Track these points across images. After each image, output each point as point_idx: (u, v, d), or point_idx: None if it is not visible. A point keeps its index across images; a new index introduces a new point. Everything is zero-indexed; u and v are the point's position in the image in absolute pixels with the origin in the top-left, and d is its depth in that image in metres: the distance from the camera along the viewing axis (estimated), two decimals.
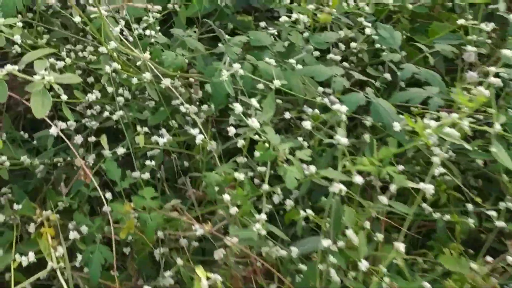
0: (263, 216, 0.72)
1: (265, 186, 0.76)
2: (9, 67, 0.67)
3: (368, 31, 0.97)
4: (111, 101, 1.04)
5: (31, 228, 0.94)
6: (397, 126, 0.80)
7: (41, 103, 0.62)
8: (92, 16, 0.86)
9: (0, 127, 1.03)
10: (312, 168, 0.75)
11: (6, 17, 0.93)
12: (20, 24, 0.83)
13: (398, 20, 1.14)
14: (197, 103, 1.02)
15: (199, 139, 0.81)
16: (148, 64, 0.87)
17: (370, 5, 0.98)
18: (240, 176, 0.77)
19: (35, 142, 1.08)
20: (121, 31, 0.90)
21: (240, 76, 0.86)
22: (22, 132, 1.06)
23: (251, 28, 1.22)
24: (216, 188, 0.80)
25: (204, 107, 0.96)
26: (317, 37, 0.92)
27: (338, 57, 0.94)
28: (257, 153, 0.81)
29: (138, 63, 0.87)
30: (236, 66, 0.83)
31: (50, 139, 0.90)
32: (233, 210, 0.74)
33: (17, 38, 0.86)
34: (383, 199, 0.71)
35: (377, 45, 1.02)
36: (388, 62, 0.95)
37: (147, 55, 0.87)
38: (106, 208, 0.88)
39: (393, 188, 0.71)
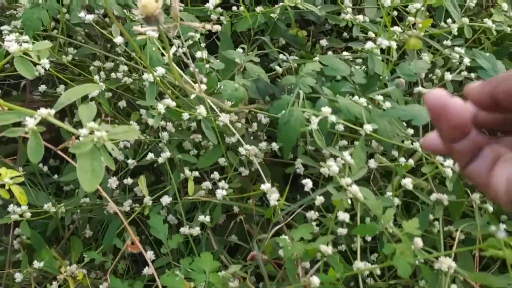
0: None
1: (360, 264, 0.60)
2: (43, 112, 0.51)
3: (466, 60, 0.81)
4: (145, 129, 0.88)
5: None
6: None
7: (91, 170, 0.46)
8: (138, 38, 0.69)
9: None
10: (419, 243, 0.59)
11: (28, 31, 0.76)
12: (48, 44, 0.66)
13: (480, 42, 0.98)
14: (251, 137, 0.86)
15: (273, 200, 0.65)
16: (205, 98, 0.70)
17: (465, 28, 0.81)
18: (327, 249, 0.61)
19: (55, 176, 0.92)
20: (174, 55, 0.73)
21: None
22: (41, 165, 0.90)
23: (305, 45, 1.06)
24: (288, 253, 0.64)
25: (263, 144, 0.80)
26: (405, 66, 0.75)
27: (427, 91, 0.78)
28: (341, 215, 0.66)
29: (192, 96, 0.71)
30: (326, 110, 0.66)
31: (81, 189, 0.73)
32: None
33: (45, 62, 0.69)
34: None
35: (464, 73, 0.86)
36: None
37: (203, 86, 0.71)
38: (148, 271, 0.73)
39: None
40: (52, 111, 0.52)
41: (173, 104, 0.69)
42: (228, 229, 0.92)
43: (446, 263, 0.60)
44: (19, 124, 0.50)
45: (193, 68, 0.63)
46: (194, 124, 0.82)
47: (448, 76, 0.81)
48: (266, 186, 0.66)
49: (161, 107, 0.68)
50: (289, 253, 0.62)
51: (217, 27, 0.73)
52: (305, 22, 1.11)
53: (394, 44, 0.74)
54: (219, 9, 0.94)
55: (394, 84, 0.73)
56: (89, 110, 0.50)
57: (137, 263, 0.97)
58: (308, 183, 0.68)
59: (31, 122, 0.49)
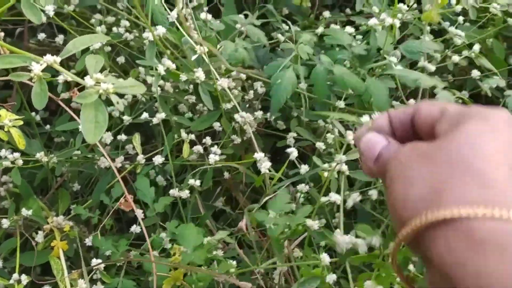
0: None
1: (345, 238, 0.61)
2: (49, 58, 0.50)
3: (476, 47, 0.81)
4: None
5: (39, 237, 0.78)
6: None
7: (94, 121, 0.46)
8: None
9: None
10: None
11: None
12: None
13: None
14: (247, 106, 0.86)
15: (264, 168, 0.65)
16: (204, 58, 0.70)
17: (470, 9, 0.82)
18: (313, 224, 0.61)
19: (47, 126, 0.92)
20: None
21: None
22: (33, 114, 0.89)
23: (308, 16, 1.06)
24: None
25: (258, 113, 0.80)
26: (410, 44, 0.76)
27: (432, 68, 0.78)
28: (332, 197, 0.66)
29: (193, 58, 0.71)
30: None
31: (78, 138, 0.73)
32: None
33: (50, 9, 0.68)
34: None
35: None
36: (488, 88, 0.80)
37: (204, 48, 0.71)
38: (135, 229, 0.73)
39: None
40: (58, 58, 0.51)
41: (173, 66, 0.69)
42: (214, 194, 0.93)
43: None
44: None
45: (193, 27, 0.63)
46: (192, 86, 0.82)
47: (456, 58, 0.82)
48: (259, 155, 0.67)
49: (161, 68, 0.68)
50: (274, 232, 0.61)
51: None
52: None
53: (397, 22, 0.74)
54: None
55: (392, 55, 0.73)
56: (97, 61, 0.49)
57: (120, 221, 0.97)
58: (293, 152, 0.68)
59: (37, 68, 0.49)
